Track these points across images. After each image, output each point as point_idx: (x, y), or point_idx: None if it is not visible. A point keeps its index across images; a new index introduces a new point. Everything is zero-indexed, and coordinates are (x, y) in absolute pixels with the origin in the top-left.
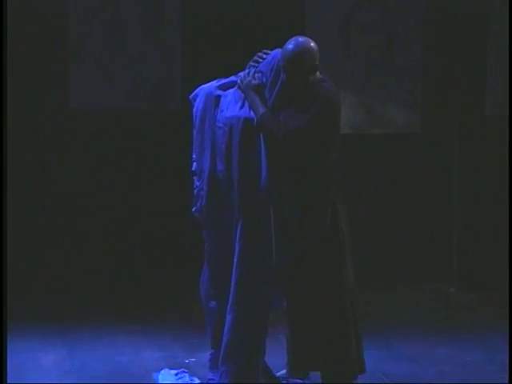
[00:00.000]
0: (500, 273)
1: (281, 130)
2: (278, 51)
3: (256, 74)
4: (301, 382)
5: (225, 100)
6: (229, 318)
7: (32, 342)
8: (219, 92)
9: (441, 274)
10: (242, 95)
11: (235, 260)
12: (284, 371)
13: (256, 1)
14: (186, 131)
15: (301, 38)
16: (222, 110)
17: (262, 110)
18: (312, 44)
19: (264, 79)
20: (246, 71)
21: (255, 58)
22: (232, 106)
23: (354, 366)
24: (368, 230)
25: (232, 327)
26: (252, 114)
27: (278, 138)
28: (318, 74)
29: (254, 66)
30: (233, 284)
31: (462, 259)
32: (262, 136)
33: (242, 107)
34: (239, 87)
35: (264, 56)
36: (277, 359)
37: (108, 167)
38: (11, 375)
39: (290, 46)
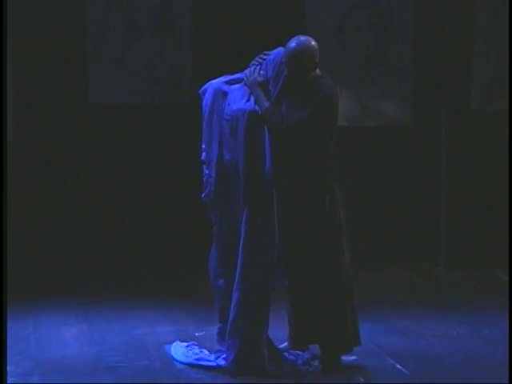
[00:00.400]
0: (485, 252)
1: (284, 122)
2: (280, 50)
3: (260, 72)
4: (301, 353)
5: (231, 95)
6: (235, 295)
7: (55, 317)
8: (226, 87)
9: (430, 254)
10: (248, 90)
11: (241, 242)
12: (286, 344)
13: (261, 4)
14: (196, 123)
15: (302, 37)
16: (228, 104)
17: (266, 104)
18: (313, 43)
19: (268, 75)
20: (251, 69)
21: (256, 58)
22: (238, 101)
23: (349, 338)
24: (362, 214)
25: (238, 304)
26: (256, 107)
27: (281, 130)
28: (317, 70)
29: (256, 65)
30: (239, 264)
31: (449, 240)
32: (266, 127)
33: (247, 101)
34: (245, 83)
35: (264, 57)
36: (279, 333)
37: (125, 156)
38: (36, 347)
39: (292, 44)
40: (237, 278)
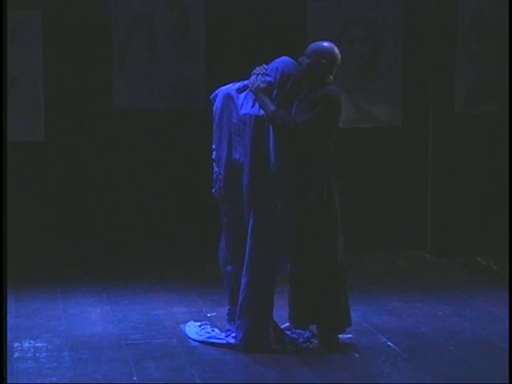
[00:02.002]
0: (467, 241)
1: (291, 122)
2: (284, 58)
3: (262, 79)
4: (302, 332)
5: (239, 101)
6: (243, 280)
7: (83, 299)
8: (234, 93)
9: (417, 242)
10: (253, 97)
11: (249, 232)
12: (287, 324)
13: (266, 20)
14: (207, 126)
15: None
16: (236, 109)
17: (272, 107)
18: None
19: (273, 81)
20: (254, 77)
21: (257, 68)
22: (245, 106)
23: (343, 320)
24: (355, 205)
25: (246, 288)
26: (261, 112)
27: (289, 129)
28: (331, 77)
29: (257, 74)
30: (247, 252)
31: (435, 230)
32: (272, 128)
33: (252, 106)
34: (250, 90)
35: (264, 68)
36: (282, 313)
37: (145, 155)
38: (66, 326)
39: (327, 44)
40: (245, 265)
